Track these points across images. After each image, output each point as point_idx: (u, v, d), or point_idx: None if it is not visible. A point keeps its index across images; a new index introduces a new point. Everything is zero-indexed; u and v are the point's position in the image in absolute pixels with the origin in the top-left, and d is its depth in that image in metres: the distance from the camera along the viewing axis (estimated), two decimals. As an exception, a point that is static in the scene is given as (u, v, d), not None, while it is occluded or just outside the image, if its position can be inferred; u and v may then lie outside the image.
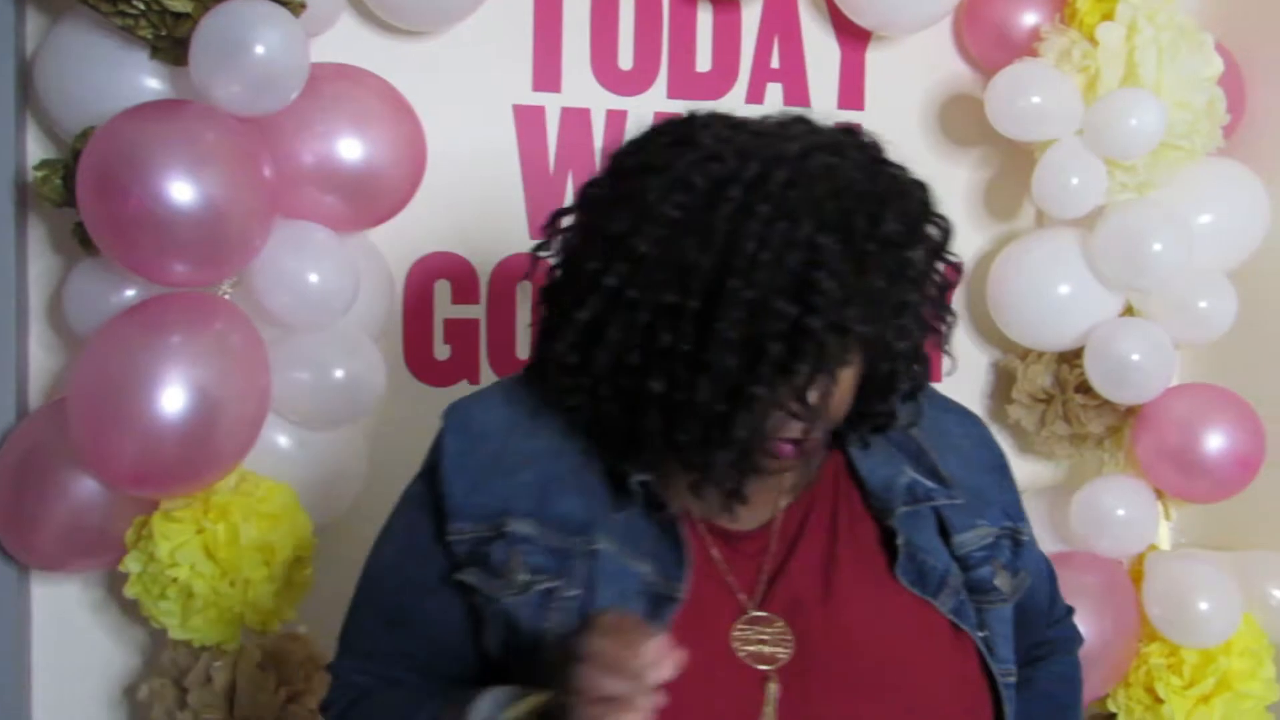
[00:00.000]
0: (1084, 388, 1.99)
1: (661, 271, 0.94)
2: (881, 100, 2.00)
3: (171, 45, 1.47)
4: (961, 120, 2.03)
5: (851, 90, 1.99)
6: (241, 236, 1.46)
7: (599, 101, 1.87)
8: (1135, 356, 1.91)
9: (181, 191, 1.39)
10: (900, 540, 1.08)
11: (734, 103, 1.92)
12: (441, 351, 1.85)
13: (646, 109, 1.88)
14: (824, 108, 1.96)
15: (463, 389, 1.86)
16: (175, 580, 1.51)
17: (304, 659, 1.64)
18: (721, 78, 1.92)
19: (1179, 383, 2.05)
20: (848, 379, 0.99)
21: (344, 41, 1.70)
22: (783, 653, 1.03)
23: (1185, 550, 2.07)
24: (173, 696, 1.59)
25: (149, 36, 1.46)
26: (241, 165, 1.45)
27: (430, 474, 1.11)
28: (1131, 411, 2.01)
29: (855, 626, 1.05)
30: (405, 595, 1.12)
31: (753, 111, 1.86)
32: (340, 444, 1.67)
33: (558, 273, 1.08)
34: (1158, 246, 1.85)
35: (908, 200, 0.98)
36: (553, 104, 1.86)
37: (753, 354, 0.92)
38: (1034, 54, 1.90)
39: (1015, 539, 1.16)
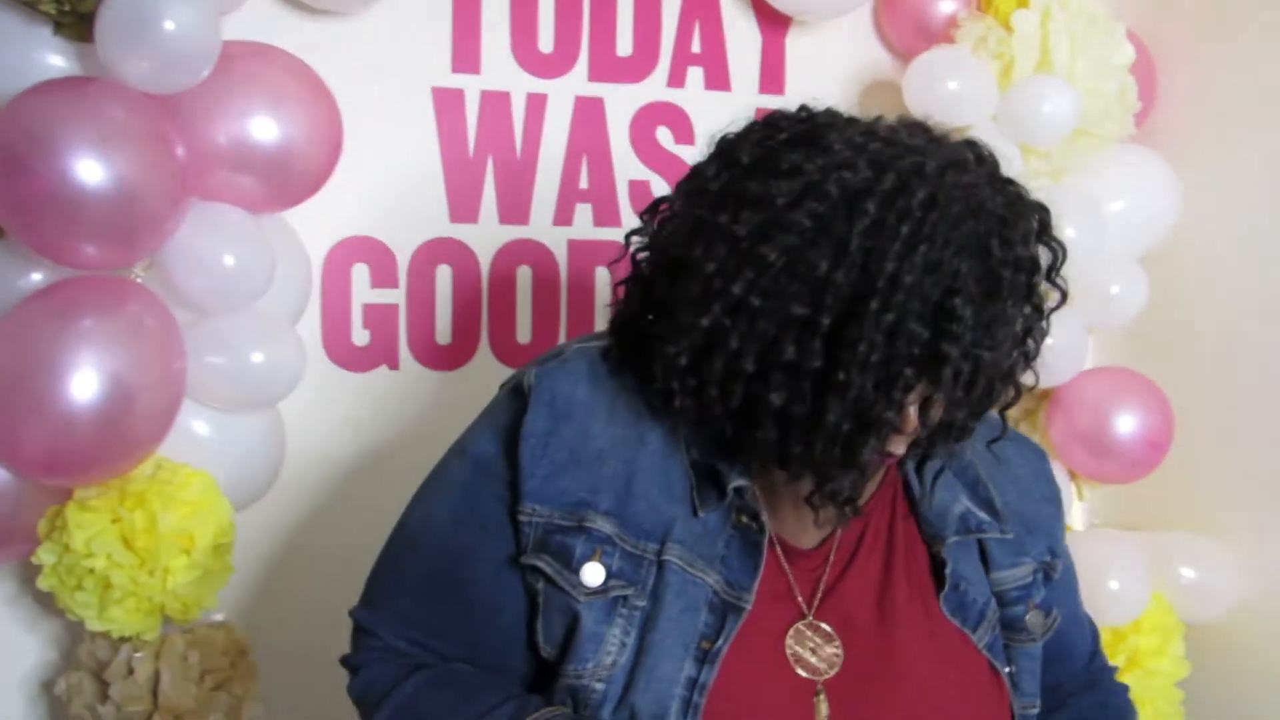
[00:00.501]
0: (1000, 370, 2.02)
1: (791, 282, 0.90)
2: (802, 86, 2.01)
3: (76, 21, 1.43)
4: (881, 106, 2.02)
5: (772, 75, 2.00)
6: (153, 217, 1.43)
7: (519, 84, 1.86)
8: (1049, 340, 1.93)
9: (89, 171, 1.36)
10: (948, 570, 1.08)
11: (655, 87, 1.92)
12: (360, 337, 1.83)
13: (567, 92, 1.88)
14: (745, 93, 1.97)
15: (382, 375, 1.84)
16: (91, 571, 1.47)
17: (227, 647, 1.62)
18: (642, 61, 1.92)
19: (1092, 366, 2.09)
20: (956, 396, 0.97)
21: (257, 20, 1.67)
22: (831, 665, 1.04)
23: (1097, 530, 2.11)
24: (93, 690, 1.57)
25: (52, 12, 1.42)
26: (151, 144, 1.41)
27: (506, 442, 1.07)
28: (1046, 394, 2.04)
29: (903, 652, 1.06)
30: (461, 566, 1.08)
31: (676, 96, 1.92)
32: (259, 429, 1.65)
33: (653, 260, 1.05)
34: (1071, 232, 1.87)
35: (1031, 222, 0.97)
36: (472, 86, 1.84)
37: (886, 377, 0.90)
38: (951, 41, 1.92)
39: (1048, 572, 1.16)
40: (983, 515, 1.12)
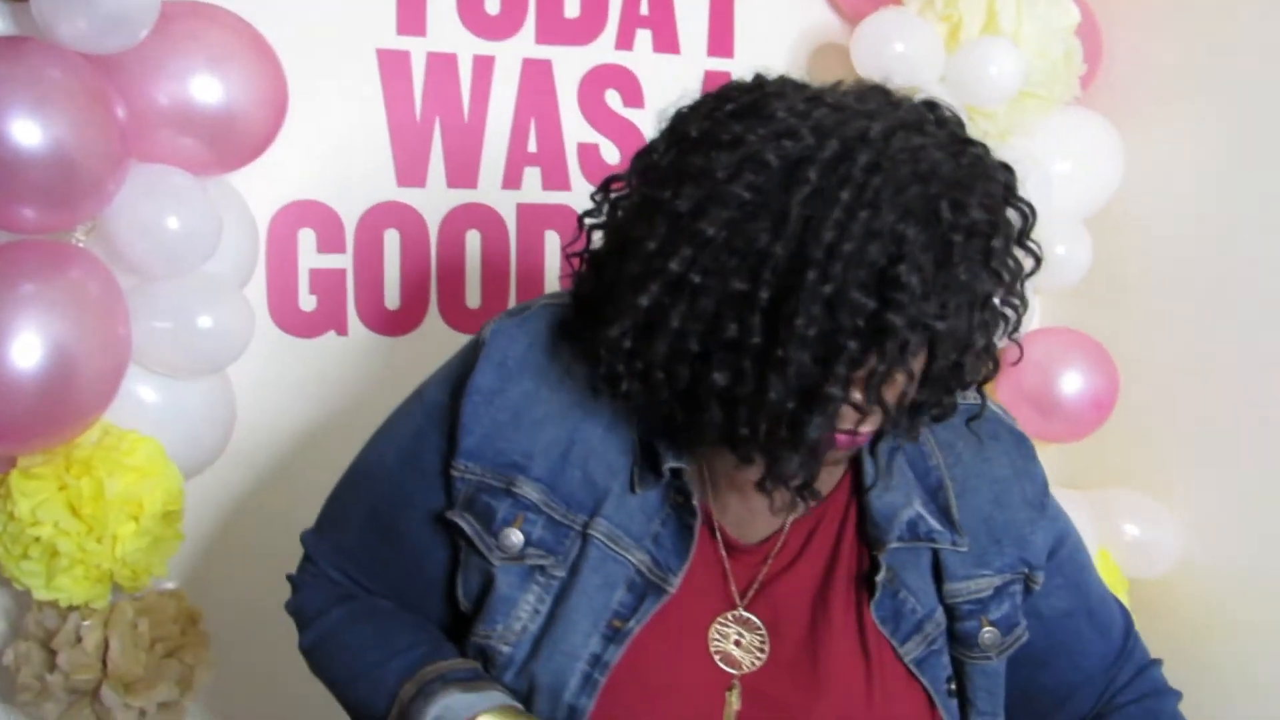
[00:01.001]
0: (948, 332, 2.04)
1: (730, 257, 0.86)
2: (750, 48, 2.01)
3: (12, -20, 1.41)
4: (829, 68, 2.05)
5: (721, 38, 1.99)
6: (92, 180, 1.41)
7: (465, 46, 1.84)
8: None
9: (26, 132, 1.33)
10: (881, 576, 1.03)
11: (602, 50, 1.91)
12: (307, 302, 1.81)
13: (514, 55, 1.86)
14: (693, 55, 1.97)
15: (330, 341, 1.83)
16: (38, 539, 1.46)
17: (178, 615, 1.61)
18: (590, 24, 1.90)
19: (1038, 327, 2.12)
20: (915, 370, 0.92)
21: (199, -21, 1.64)
22: (753, 661, 1.02)
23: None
24: (40, 659, 1.55)
25: (-14, -29, 1.39)
26: (90, 105, 1.39)
27: (453, 393, 1.06)
28: (993, 355, 2.06)
29: (828, 657, 1.03)
30: (398, 511, 1.10)
31: (624, 59, 1.91)
32: (207, 394, 1.63)
33: (604, 239, 1.01)
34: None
35: (992, 184, 0.91)
36: (418, 48, 1.82)
37: (828, 351, 0.86)
38: (898, 2, 1.92)
39: (1027, 584, 1.10)
40: (934, 524, 1.06)
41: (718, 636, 1.02)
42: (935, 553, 1.06)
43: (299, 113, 1.66)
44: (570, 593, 1.01)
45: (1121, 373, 2.06)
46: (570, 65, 1.90)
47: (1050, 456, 2.13)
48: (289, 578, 1.22)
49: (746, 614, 1.03)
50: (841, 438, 0.93)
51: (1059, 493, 2.05)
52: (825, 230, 0.83)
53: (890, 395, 0.90)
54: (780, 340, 0.85)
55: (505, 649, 1.02)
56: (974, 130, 1.86)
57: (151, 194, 1.49)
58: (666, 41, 1.96)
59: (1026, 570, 1.09)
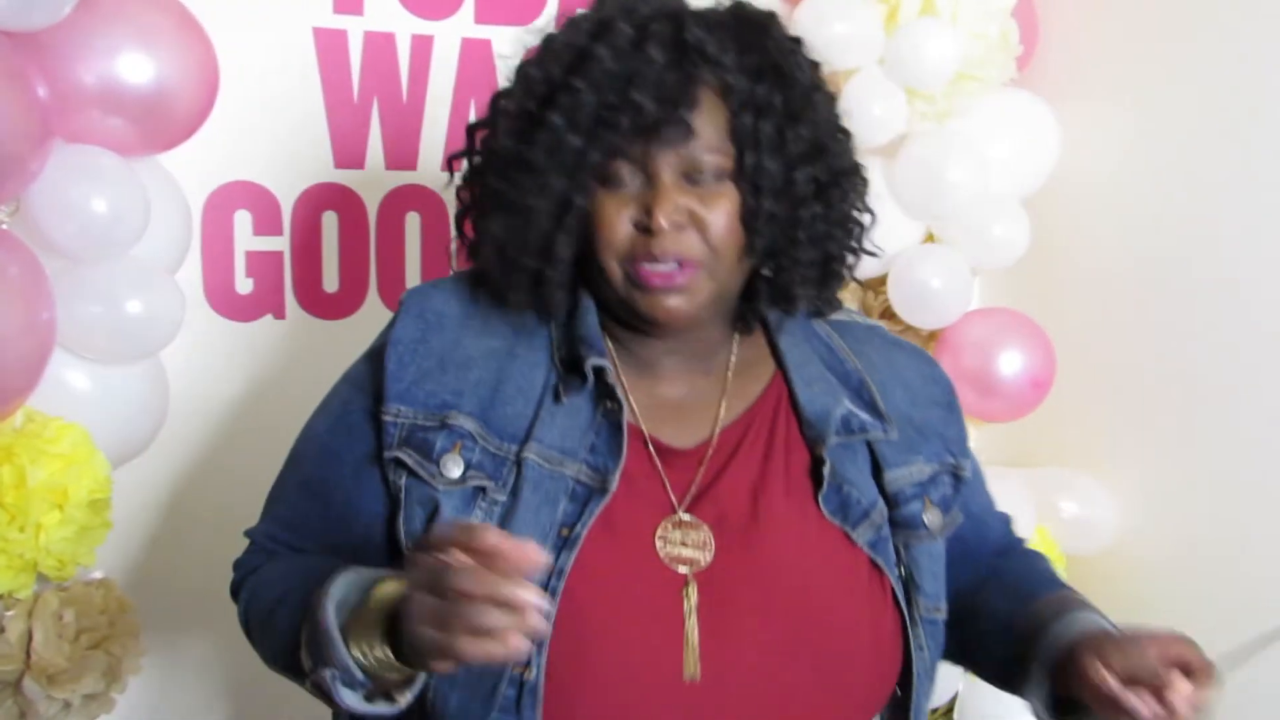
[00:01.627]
0: (888, 314, 2.05)
1: (527, 83, 1.06)
2: (691, 29, 1.99)
3: (-74, -45, 1.36)
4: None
5: (661, 18, 1.98)
6: (14, 160, 1.37)
7: (404, 26, 1.82)
8: (935, 282, 1.97)
9: (-57, 111, 1.30)
10: (827, 470, 1.09)
11: (543, 29, 1.89)
12: (244, 285, 1.79)
13: (453, 34, 1.84)
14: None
15: (267, 324, 1.80)
16: (-42, 527, 1.43)
17: (106, 605, 1.58)
18: (530, 2, 1.88)
19: (977, 307, 2.13)
20: (717, 206, 1.03)
21: (126, -44, 1.61)
22: (703, 558, 1.05)
23: (982, 468, 2.16)
24: (-37, 650, 1.52)
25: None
26: (9, 84, 1.35)
27: (376, 355, 1.11)
28: (933, 335, 2.08)
29: (774, 547, 1.06)
30: (328, 468, 1.12)
31: None
32: (139, 380, 1.60)
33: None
34: (955, 175, 1.91)
35: (744, 22, 1.07)
36: (355, 27, 1.80)
37: (572, 160, 1.02)
38: (838, -16, 1.92)
39: (956, 475, 1.17)
40: (865, 416, 1.13)
41: (664, 542, 1.05)
42: (870, 447, 1.13)
43: (232, 93, 1.64)
44: (514, 514, 1.03)
45: (1059, 352, 2.08)
46: (510, 44, 1.88)
47: (990, 436, 2.17)
48: (234, 565, 1.22)
49: (689, 517, 1.06)
50: (646, 273, 1.03)
51: (997, 471, 2.09)
52: (596, 53, 1.02)
53: (664, 214, 1.01)
54: (533, 142, 1.03)
55: None
56: (912, 112, 1.90)
57: (77, 175, 1.45)
58: (607, 21, 1.94)
59: (953, 460, 1.18)
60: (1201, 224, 1.90)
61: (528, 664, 0.99)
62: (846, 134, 1.12)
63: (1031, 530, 2.02)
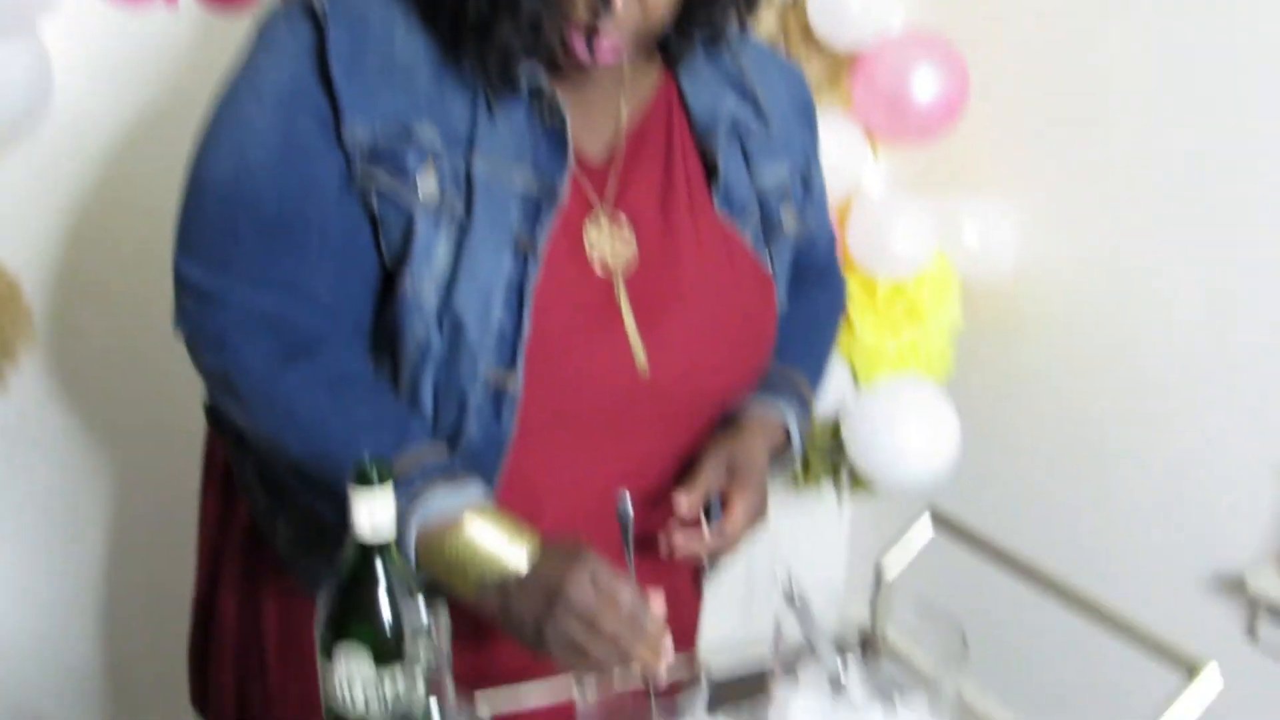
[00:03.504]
0: (807, 34, 2.02)
1: None
2: None
3: None
4: None
5: None
6: None
7: None
8: (855, 3, 1.94)
9: None
10: (721, 172, 1.14)
11: None
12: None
13: None
14: None
15: (158, 15, 1.71)
16: None
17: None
18: None
19: (897, 28, 2.10)
20: None
21: None
22: (627, 260, 1.09)
23: (888, 190, 2.18)
24: None
25: None
26: None
27: (310, 67, 1.03)
28: (851, 57, 2.05)
29: (685, 250, 1.12)
30: (304, 201, 1.04)
31: None
32: (18, 60, 1.52)
33: None
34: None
35: None
36: None
37: None
38: None
39: (805, 182, 1.23)
40: (749, 114, 1.17)
41: (592, 247, 1.09)
42: (743, 147, 1.18)
43: None
44: (472, 227, 1.04)
45: (974, 79, 2.07)
46: None
47: (898, 161, 2.18)
48: (191, 328, 1.09)
49: (610, 221, 1.10)
50: (579, 46, 1.03)
51: (903, 195, 2.12)
52: None
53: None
54: None
55: (430, 287, 1.03)
56: None
57: None
58: None
59: (806, 165, 1.25)
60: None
61: (510, 373, 1.03)
62: None
63: (931, 254, 2.06)
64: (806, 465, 2.25)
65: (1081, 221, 2.07)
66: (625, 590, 0.96)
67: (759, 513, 1.15)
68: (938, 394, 2.11)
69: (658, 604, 0.97)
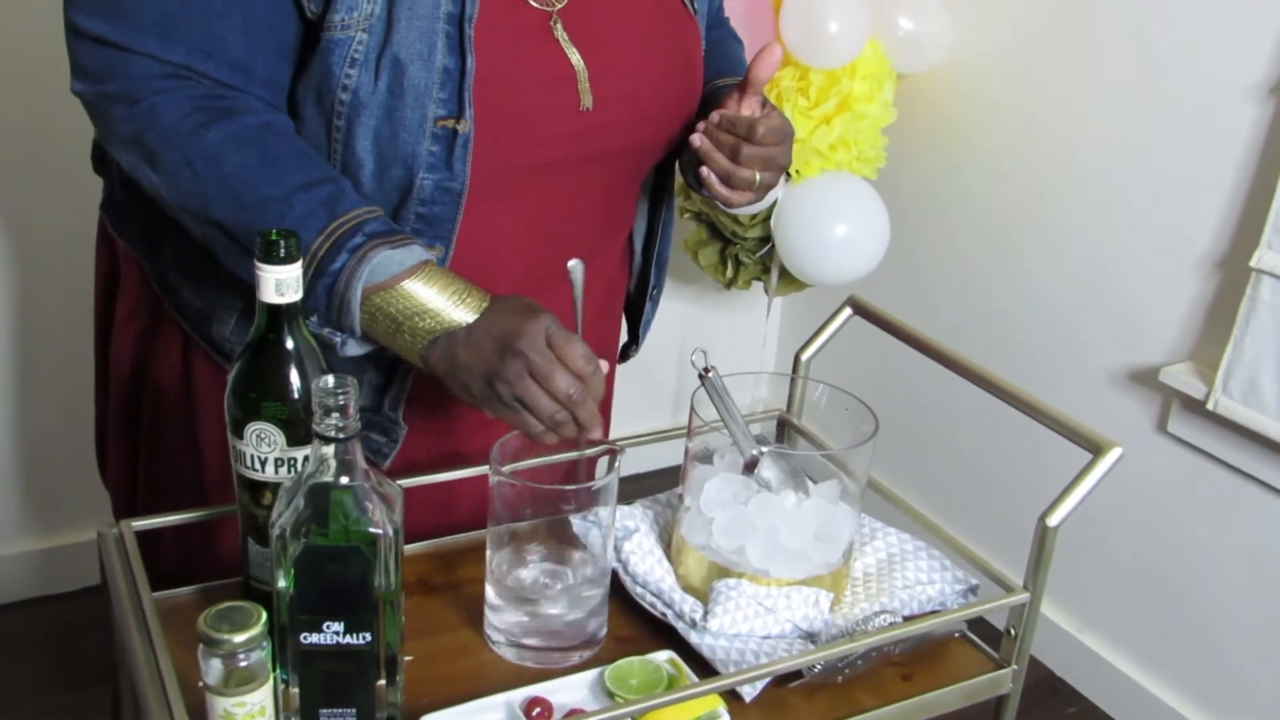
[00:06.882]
0: None
1: None
2: None
3: None
4: None
5: None
6: None
7: None
8: None
9: None
10: None
11: None
12: None
13: None
14: None
15: None
16: None
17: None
18: None
19: None
20: None
21: None
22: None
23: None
24: None
25: None
26: None
27: None
28: None
29: None
30: None
31: None
32: None
33: None
34: None
35: None
36: None
37: None
38: None
39: None
40: None
41: None
42: None
43: None
44: None
45: None
46: None
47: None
48: (97, 88, 0.98)
49: None
50: None
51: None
52: None
53: None
54: None
55: (363, 35, 0.97)
56: None
57: None
58: None
59: None
60: None
61: (459, 115, 0.99)
62: None
63: (864, 43, 2.01)
64: (738, 266, 2.24)
65: (1013, 7, 2.04)
66: (579, 349, 0.93)
67: (788, 142, 1.13)
68: (868, 189, 2.09)
69: (604, 369, 0.96)
